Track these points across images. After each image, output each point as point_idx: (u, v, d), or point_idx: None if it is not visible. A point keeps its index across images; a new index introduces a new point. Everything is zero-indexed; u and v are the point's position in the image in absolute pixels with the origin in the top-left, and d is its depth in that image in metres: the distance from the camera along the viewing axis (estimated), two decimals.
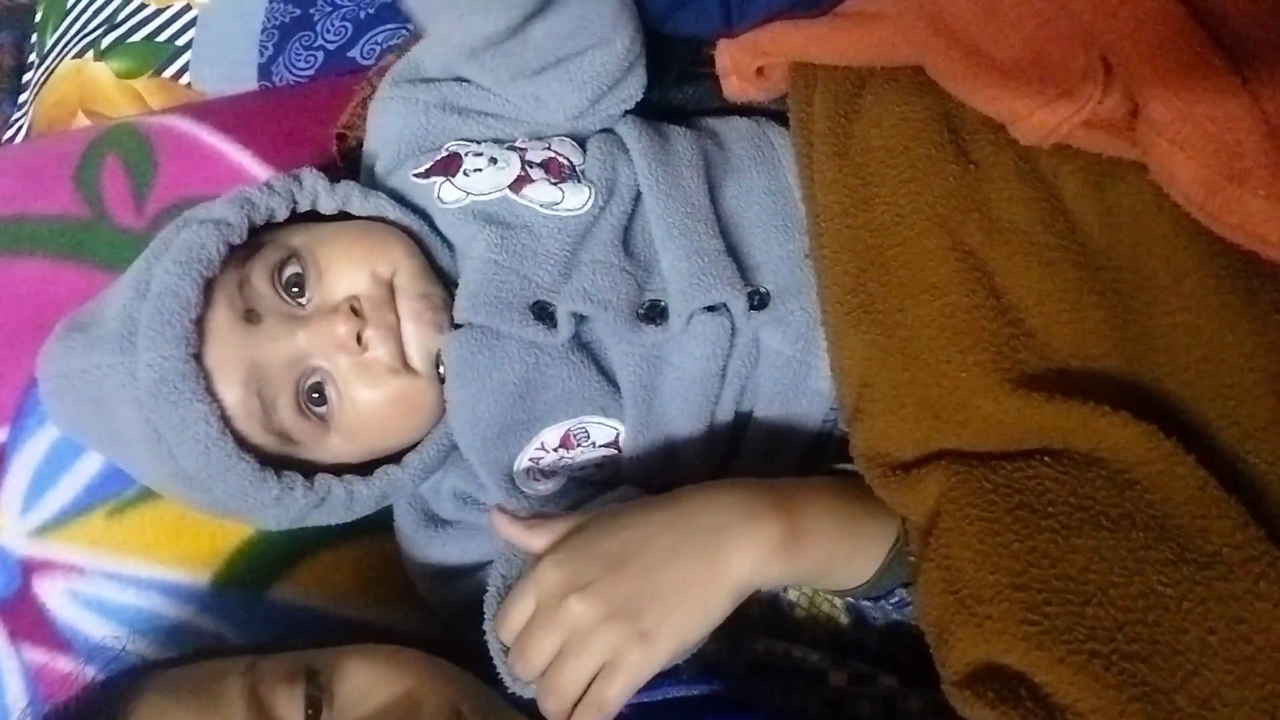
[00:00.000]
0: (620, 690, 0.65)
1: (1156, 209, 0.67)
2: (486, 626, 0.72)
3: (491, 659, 0.71)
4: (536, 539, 0.71)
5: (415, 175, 0.84)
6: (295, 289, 0.77)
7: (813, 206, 0.78)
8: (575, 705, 0.66)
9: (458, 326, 0.79)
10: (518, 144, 0.84)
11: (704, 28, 0.85)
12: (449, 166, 0.83)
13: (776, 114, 0.89)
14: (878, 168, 0.74)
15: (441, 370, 0.79)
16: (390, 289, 0.78)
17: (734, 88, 0.88)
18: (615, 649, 0.64)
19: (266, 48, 1.05)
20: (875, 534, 0.70)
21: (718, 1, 0.80)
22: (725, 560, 0.66)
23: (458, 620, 0.84)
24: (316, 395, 0.76)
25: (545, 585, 0.67)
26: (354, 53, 1.01)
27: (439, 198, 0.82)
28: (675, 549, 0.66)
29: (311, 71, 1.03)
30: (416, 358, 0.78)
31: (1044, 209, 0.70)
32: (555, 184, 0.81)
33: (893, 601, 0.73)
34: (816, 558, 0.68)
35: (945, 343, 0.68)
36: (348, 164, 0.92)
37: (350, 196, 0.82)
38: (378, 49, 1.00)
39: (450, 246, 0.83)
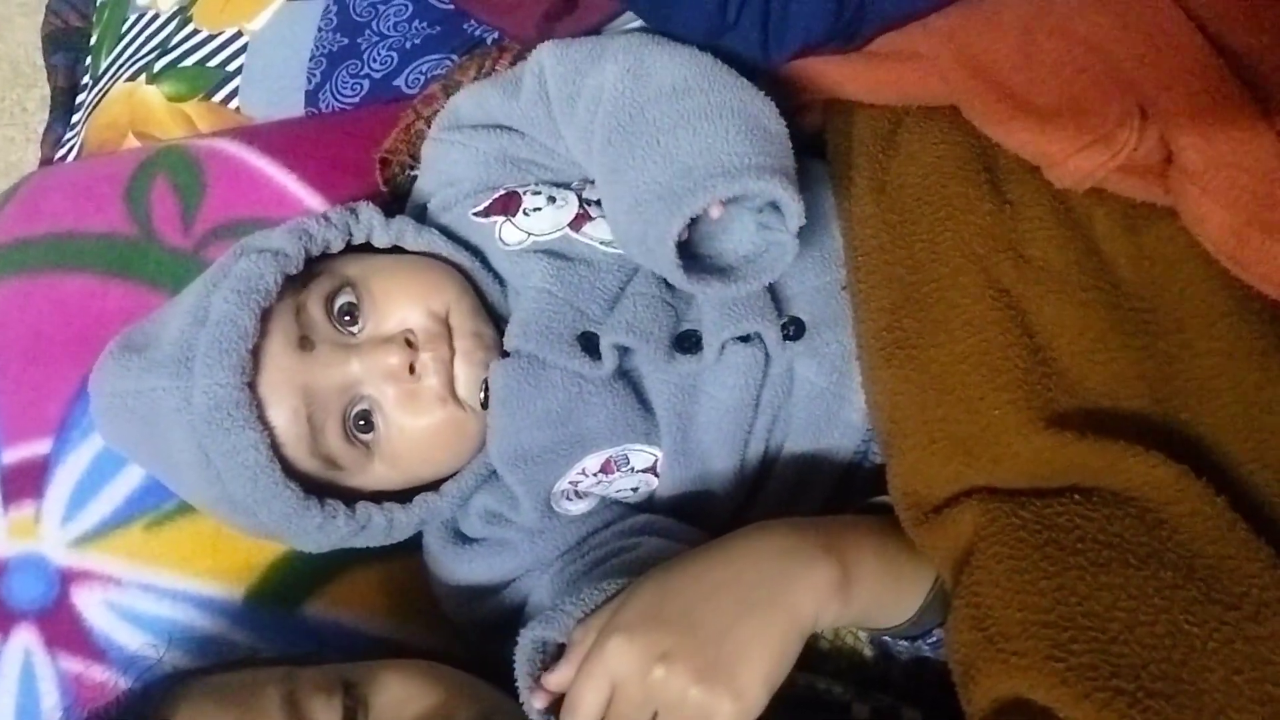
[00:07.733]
0: None
1: (1188, 252, 0.68)
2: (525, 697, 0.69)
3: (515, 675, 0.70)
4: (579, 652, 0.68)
5: (475, 214, 0.85)
6: (348, 318, 0.79)
7: (850, 240, 0.79)
8: None
9: (505, 355, 0.80)
10: (573, 185, 0.86)
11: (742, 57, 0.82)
12: (508, 205, 0.84)
13: (808, 143, 0.88)
14: (914, 205, 0.75)
15: (482, 396, 0.80)
16: (446, 324, 0.79)
17: None
18: (710, 710, 0.63)
19: (314, 75, 1.06)
20: (917, 574, 0.70)
21: (758, 30, 0.79)
22: (793, 605, 0.65)
23: (484, 638, 0.84)
24: (363, 422, 0.77)
25: (620, 664, 0.64)
26: (399, 81, 1.02)
27: (500, 238, 0.83)
28: (744, 602, 0.65)
29: (357, 99, 1.04)
30: (464, 391, 0.79)
31: (1077, 249, 0.70)
32: None
33: (929, 641, 0.72)
34: (865, 600, 0.68)
35: (978, 380, 0.69)
36: (390, 188, 0.93)
37: (404, 232, 0.84)
38: (422, 78, 1.01)
39: (502, 283, 0.84)
